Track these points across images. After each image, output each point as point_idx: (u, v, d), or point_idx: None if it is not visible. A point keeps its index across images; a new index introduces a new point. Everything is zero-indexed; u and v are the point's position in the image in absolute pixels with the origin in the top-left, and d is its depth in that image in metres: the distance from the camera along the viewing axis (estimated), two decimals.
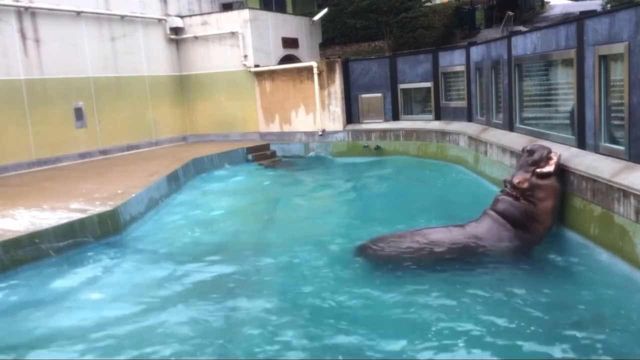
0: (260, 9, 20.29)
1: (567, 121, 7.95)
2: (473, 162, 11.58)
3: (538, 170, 6.73)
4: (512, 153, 9.08)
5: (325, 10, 20.51)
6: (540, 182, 6.71)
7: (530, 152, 6.95)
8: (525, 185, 6.70)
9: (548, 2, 38.19)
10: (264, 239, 8.26)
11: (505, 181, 7.04)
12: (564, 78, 8.15)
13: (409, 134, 14.47)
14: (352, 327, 5.10)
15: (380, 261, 6.55)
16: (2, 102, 12.44)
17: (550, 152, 6.90)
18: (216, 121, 17.21)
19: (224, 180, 12.82)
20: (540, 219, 6.68)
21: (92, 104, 14.49)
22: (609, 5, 21.48)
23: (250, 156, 15.03)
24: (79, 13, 14.06)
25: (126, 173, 11.49)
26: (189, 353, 4.82)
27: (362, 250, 6.81)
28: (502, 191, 7.03)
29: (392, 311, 5.37)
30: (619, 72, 6.33)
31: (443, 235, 6.64)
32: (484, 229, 6.67)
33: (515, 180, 6.77)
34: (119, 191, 9.38)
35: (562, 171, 6.95)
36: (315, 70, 15.45)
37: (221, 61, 16.83)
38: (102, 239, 7.87)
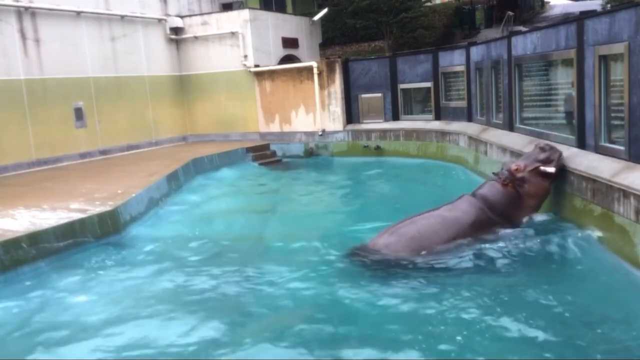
0: (260, 9, 20.27)
1: (568, 120, 7.96)
2: (473, 162, 11.58)
3: (542, 168, 6.79)
4: (512, 153, 9.08)
5: (325, 10, 20.50)
6: (535, 179, 6.77)
7: (542, 149, 7.00)
8: (520, 175, 6.75)
9: (548, 2, 38.19)
10: (264, 240, 8.26)
11: (503, 165, 7.14)
12: (564, 78, 8.15)
13: (409, 134, 14.47)
14: (354, 325, 5.10)
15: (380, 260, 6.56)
16: (2, 102, 12.44)
17: (560, 156, 6.95)
18: (216, 121, 17.21)
19: (223, 180, 12.81)
20: (520, 210, 6.80)
21: (92, 104, 14.49)
22: (609, 5, 21.48)
23: (250, 156, 15.03)
24: (79, 13, 14.06)
25: (126, 173, 11.49)
26: (189, 352, 4.82)
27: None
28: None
29: (392, 310, 5.37)
30: (619, 72, 6.34)
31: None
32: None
33: (514, 167, 6.84)
34: (119, 191, 9.38)
35: (561, 173, 6.97)
36: (315, 70, 15.45)
37: (221, 61, 16.83)
38: (102, 239, 7.87)
